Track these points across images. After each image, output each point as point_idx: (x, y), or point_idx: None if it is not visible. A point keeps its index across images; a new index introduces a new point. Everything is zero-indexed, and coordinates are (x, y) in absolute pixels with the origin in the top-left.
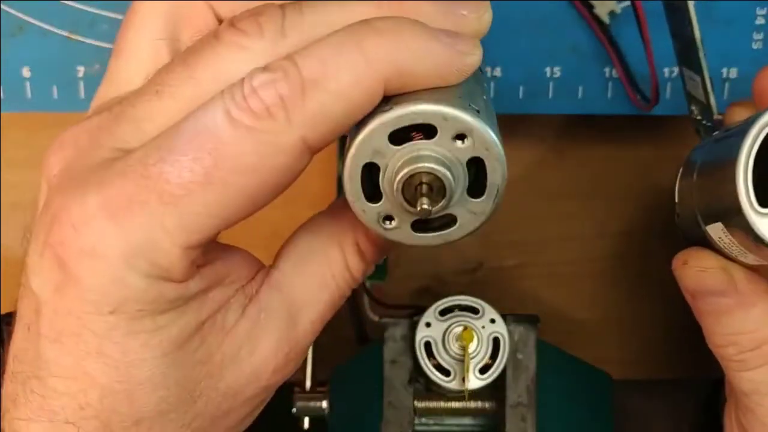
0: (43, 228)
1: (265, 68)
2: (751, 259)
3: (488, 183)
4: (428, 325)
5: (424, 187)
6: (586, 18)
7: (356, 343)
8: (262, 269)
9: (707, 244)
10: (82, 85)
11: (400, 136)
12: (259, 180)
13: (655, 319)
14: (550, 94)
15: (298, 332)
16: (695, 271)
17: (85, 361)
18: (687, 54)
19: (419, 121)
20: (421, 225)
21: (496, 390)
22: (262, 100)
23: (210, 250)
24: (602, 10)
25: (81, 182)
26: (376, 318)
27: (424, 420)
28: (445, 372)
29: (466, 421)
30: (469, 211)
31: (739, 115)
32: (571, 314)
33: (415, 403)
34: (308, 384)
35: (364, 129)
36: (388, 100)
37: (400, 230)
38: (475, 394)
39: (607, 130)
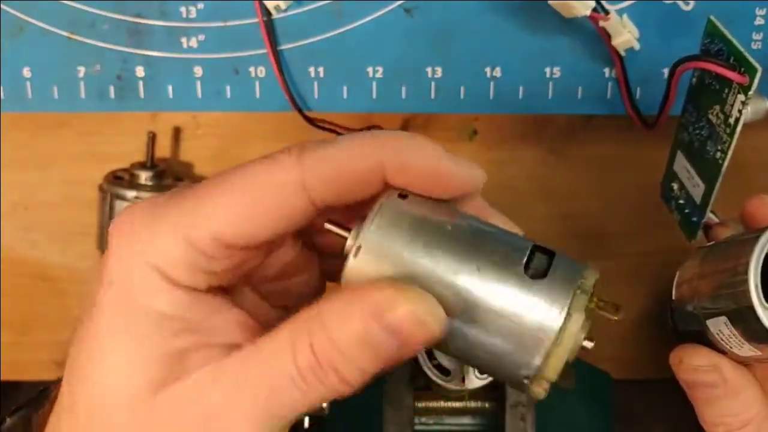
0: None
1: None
2: (746, 350)
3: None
4: None
5: None
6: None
7: None
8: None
9: (702, 336)
10: (82, 85)
11: None
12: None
13: (655, 319)
14: (550, 94)
15: None
16: (690, 369)
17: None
18: (702, 163)
19: None
20: None
21: (495, 390)
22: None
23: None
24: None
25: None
26: None
27: (423, 419)
28: (445, 371)
29: (466, 420)
30: None
31: (722, 233)
32: None
33: (415, 402)
34: None
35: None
36: None
37: None
38: (475, 394)
39: (607, 130)
